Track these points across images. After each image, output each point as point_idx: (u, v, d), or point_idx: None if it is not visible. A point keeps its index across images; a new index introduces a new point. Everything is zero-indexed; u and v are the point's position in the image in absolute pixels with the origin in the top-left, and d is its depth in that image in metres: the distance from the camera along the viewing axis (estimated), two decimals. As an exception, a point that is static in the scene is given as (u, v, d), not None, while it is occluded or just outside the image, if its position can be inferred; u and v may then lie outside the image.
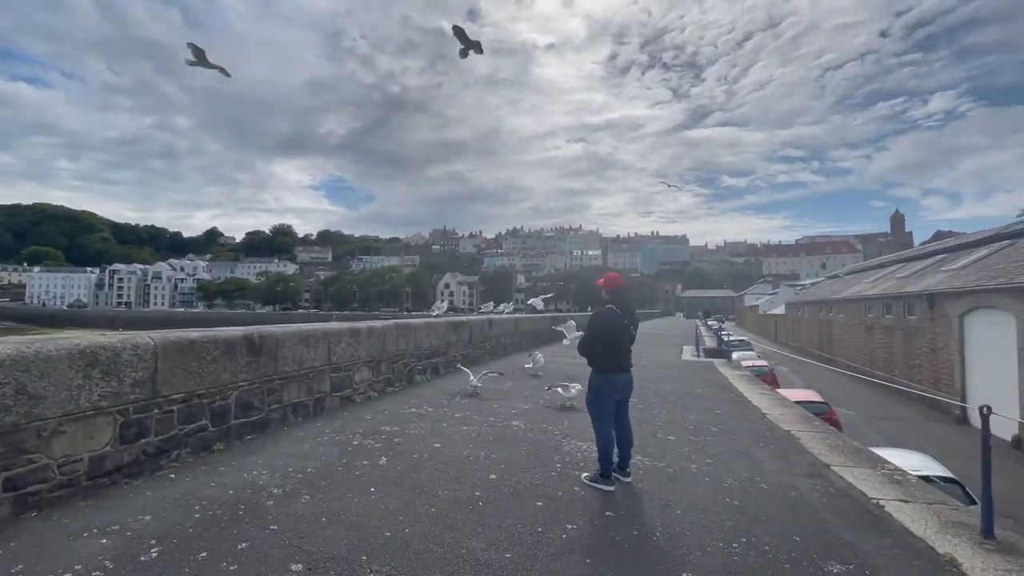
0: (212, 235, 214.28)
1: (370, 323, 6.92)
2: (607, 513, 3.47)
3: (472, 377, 7.82)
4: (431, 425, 5.49)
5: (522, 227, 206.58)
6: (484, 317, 11.81)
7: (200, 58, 7.94)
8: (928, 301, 16.98)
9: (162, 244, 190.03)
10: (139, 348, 3.64)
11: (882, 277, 25.93)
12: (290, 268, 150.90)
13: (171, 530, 2.93)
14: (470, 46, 9.33)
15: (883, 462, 5.18)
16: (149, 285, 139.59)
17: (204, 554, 2.68)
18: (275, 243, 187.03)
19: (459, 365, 7.61)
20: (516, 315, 15.26)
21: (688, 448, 5.18)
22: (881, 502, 3.95)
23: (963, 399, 15.16)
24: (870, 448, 6.06)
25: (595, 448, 4.85)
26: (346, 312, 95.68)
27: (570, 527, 3.20)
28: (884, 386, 21.05)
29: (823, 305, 31.97)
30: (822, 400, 12.64)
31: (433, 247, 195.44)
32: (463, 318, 10.56)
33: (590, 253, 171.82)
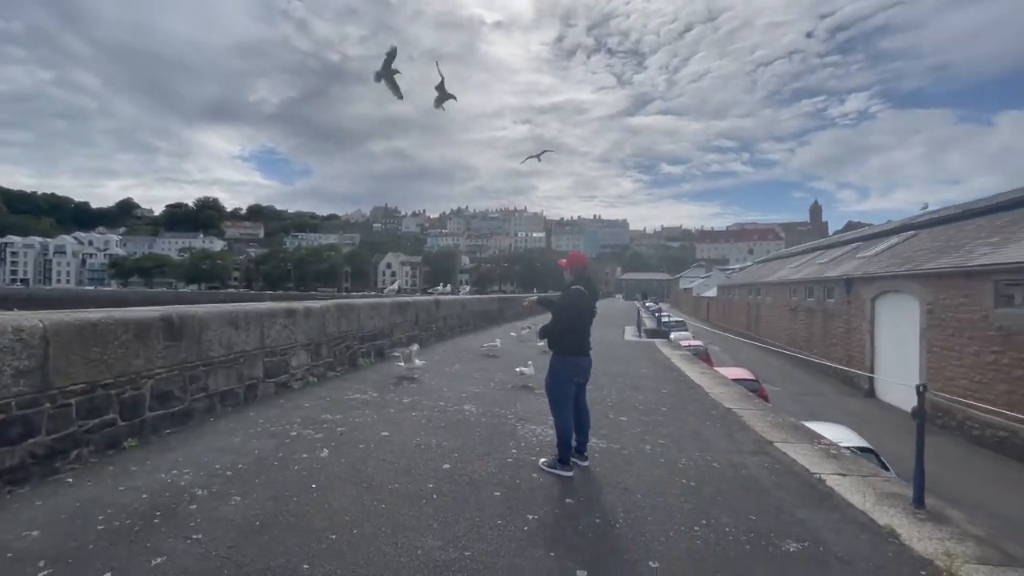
0: (126, 207, 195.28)
1: (308, 303, 6.40)
2: (567, 501, 3.34)
3: (414, 356, 7.54)
4: (377, 412, 5.16)
5: (467, 207, 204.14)
6: (431, 298, 11.43)
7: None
8: (846, 285, 18.37)
9: (66, 215, 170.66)
10: (23, 332, 3.05)
11: (804, 263, 27.82)
12: (217, 244, 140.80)
13: (66, 546, 2.47)
14: (446, 97, 9.46)
15: (819, 438, 5.45)
16: (51, 260, 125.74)
17: (108, 574, 2.27)
18: (200, 217, 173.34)
19: (410, 348, 7.22)
20: (463, 296, 14.95)
21: (641, 429, 5.20)
22: (823, 476, 4.11)
23: (872, 375, 16.61)
24: (800, 422, 6.38)
25: (550, 432, 4.75)
26: (280, 292, 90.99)
27: (531, 518, 3.05)
28: (805, 363, 22.74)
29: (752, 288, 33.98)
30: (753, 378, 13.38)
31: (374, 225, 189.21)
32: (409, 299, 10.15)
33: (534, 235, 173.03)
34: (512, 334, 10.59)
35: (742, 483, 3.85)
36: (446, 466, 3.79)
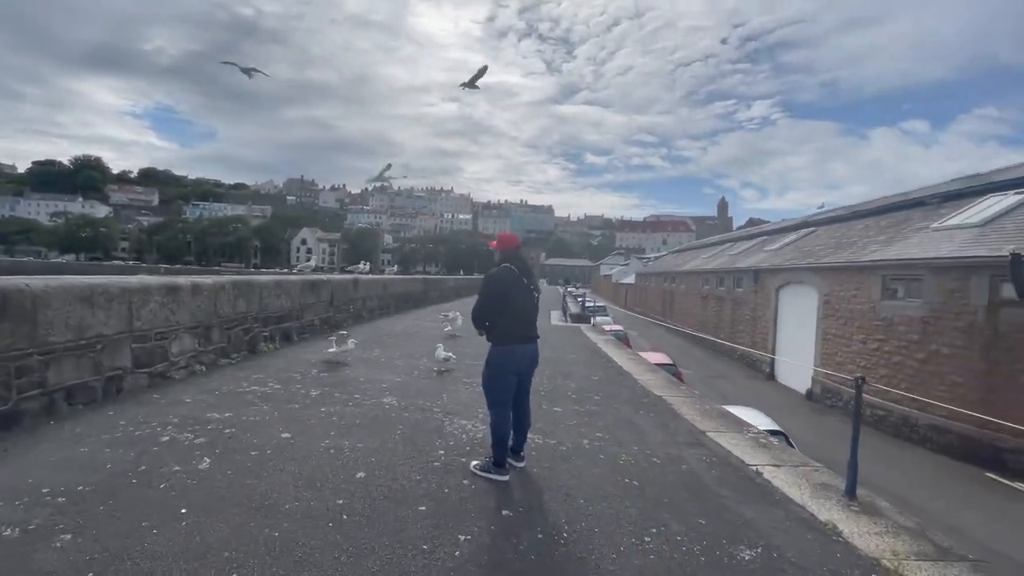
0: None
1: (197, 278, 5.39)
2: (504, 512, 2.90)
3: (335, 345, 6.74)
4: (279, 408, 4.39)
5: (391, 184, 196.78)
6: (349, 276, 10.49)
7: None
8: (754, 276, 19.66)
9: None
10: None
11: (716, 254, 29.61)
12: (101, 210, 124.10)
13: None
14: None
15: (748, 426, 5.48)
16: None
17: None
18: (78, 178, 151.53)
19: (340, 333, 6.39)
20: (385, 276, 14.02)
21: (576, 420, 4.90)
22: (759, 469, 4.03)
23: (772, 360, 17.99)
24: (724, 408, 6.47)
25: (482, 428, 4.29)
26: (178, 266, 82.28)
27: (463, 538, 2.57)
28: (714, 348, 24.26)
29: (667, 276, 35.75)
30: (672, 362, 13.87)
31: (288, 198, 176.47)
32: (323, 276, 9.18)
33: (461, 217, 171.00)
34: (446, 328, 9.83)
35: (685, 480, 3.64)
36: (361, 475, 3.20)
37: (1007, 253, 9.35)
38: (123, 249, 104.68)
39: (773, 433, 8.02)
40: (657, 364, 10.67)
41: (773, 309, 18.22)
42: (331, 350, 6.63)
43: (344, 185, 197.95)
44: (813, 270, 15.54)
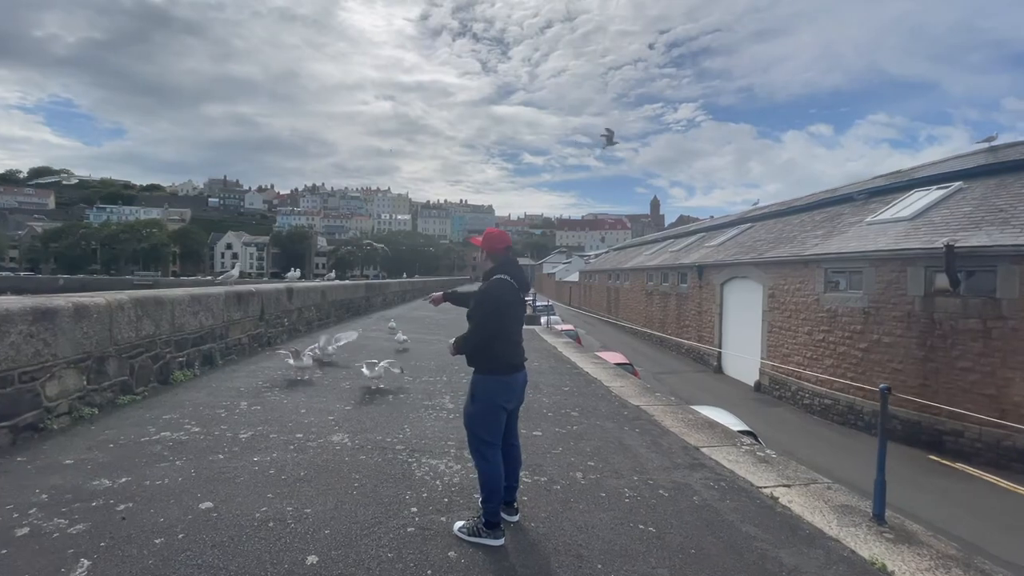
0: None
1: (80, 298, 4.26)
2: (510, 600, 2.23)
3: (291, 358, 6.06)
4: (197, 462, 3.44)
5: (323, 184, 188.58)
6: (282, 285, 9.31)
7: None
8: (698, 271, 20.05)
9: None
10: None
11: (658, 251, 30.25)
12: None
13: None
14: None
15: (737, 437, 5.13)
16: None
17: None
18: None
19: (316, 345, 5.39)
20: (324, 283, 12.81)
21: (561, 447, 4.29)
22: (772, 493, 3.61)
23: (720, 353, 18.38)
24: (703, 415, 6.13)
25: (459, 468, 3.59)
26: (81, 276, 74.03)
27: (465, 657, 1.87)
28: (660, 344, 24.64)
29: (611, 274, 36.22)
30: (628, 362, 13.69)
31: (210, 200, 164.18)
32: (251, 287, 8.01)
33: (399, 217, 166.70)
34: (397, 336, 8.93)
35: (704, 519, 3.12)
36: (312, 559, 2.39)
37: (941, 245, 9.80)
38: (12, 259, 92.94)
39: (744, 433, 7.86)
40: (616, 364, 10.36)
41: (718, 304, 18.64)
42: (290, 361, 6.17)
43: (272, 186, 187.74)
44: (757, 264, 15.96)
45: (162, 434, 3.92)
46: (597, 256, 58.96)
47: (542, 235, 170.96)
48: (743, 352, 16.56)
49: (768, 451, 4.65)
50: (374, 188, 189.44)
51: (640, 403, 6.22)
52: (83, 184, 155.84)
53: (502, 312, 2.75)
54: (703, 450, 4.53)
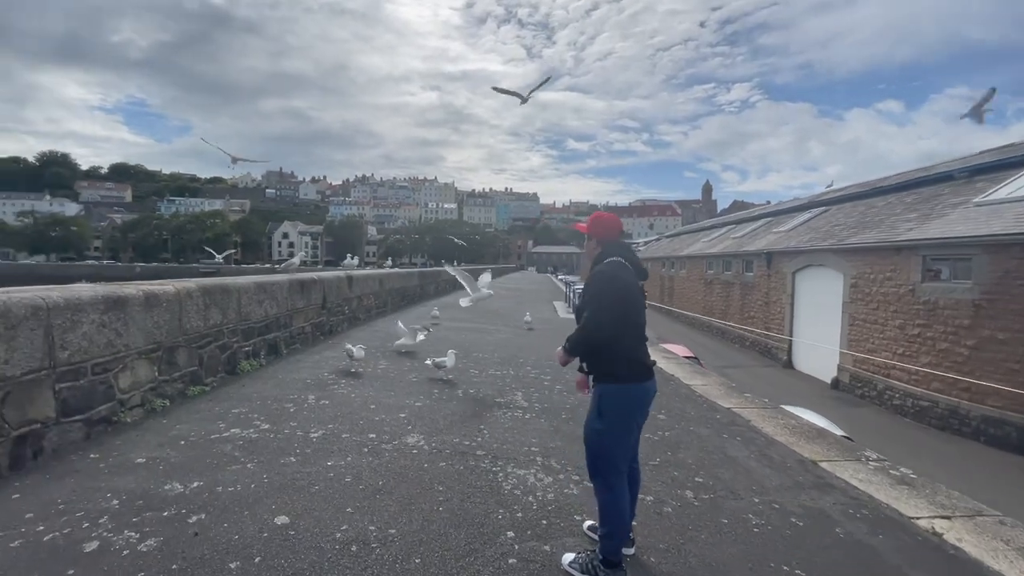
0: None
1: (150, 285, 4.11)
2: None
3: (407, 336, 6.08)
4: (269, 466, 3.18)
5: (373, 175, 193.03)
6: (342, 273, 9.19)
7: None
8: (767, 259, 18.72)
9: None
10: None
11: (717, 237, 28.69)
12: (70, 208, 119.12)
13: None
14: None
15: (859, 449, 4.44)
16: None
17: None
18: (45, 176, 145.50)
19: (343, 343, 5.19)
20: (381, 271, 12.72)
21: (658, 458, 3.78)
22: (934, 528, 2.96)
23: (790, 346, 17.13)
24: (805, 420, 5.43)
25: (550, 480, 3.17)
26: (155, 265, 79.42)
27: None
28: (720, 334, 23.40)
29: (665, 261, 34.82)
30: (694, 355, 12.87)
31: (267, 191, 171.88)
32: (313, 275, 7.89)
33: (445, 206, 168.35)
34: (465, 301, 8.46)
35: (861, 560, 2.54)
36: (404, 598, 2.02)
37: (1078, 227, 8.42)
38: (96, 248, 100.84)
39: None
40: (684, 358, 9.66)
41: (789, 294, 17.32)
42: (402, 341, 6.64)
43: (325, 177, 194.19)
44: (837, 251, 14.61)
45: (232, 431, 3.71)
46: (647, 244, 57.10)
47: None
48: (818, 346, 15.30)
49: (903, 469, 3.95)
50: (421, 178, 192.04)
51: (730, 405, 5.60)
52: (155, 178, 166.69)
53: (625, 299, 2.24)
54: (823, 465, 3.90)
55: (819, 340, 15.39)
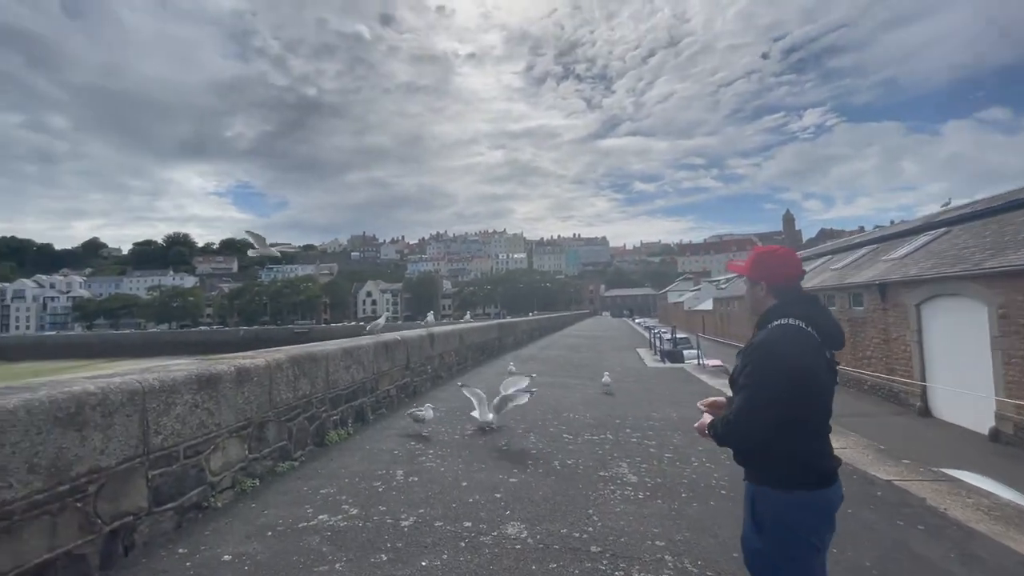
0: (92, 247, 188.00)
1: (241, 360, 4.05)
2: None
3: (419, 411, 5.63)
4: (359, 563, 2.79)
5: (446, 232, 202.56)
6: (424, 332, 9.10)
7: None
8: (880, 290, 16.62)
9: (27, 258, 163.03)
10: None
11: (813, 270, 26.26)
12: (188, 281, 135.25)
13: None
14: None
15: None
16: (8, 307, 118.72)
17: None
18: (170, 254, 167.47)
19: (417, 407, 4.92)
20: (459, 325, 12.64)
21: (828, 558, 2.97)
22: None
23: (925, 391, 14.72)
24: (999, 496, 4.24)
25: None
26: (255, 328, 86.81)
27: None
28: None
29: (754, 299, 32.33)
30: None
31: (352, 254, 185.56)
32: (397, 335, 7.81)
33: (515, 256, 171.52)
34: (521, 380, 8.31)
35: None
36: None
37: None
38: (207, 315, 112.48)
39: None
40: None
41: (914, 329, 15.05)
42: (420, 414, 5.69)
43: (403, 237, 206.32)
44: (975, 278, 12.55)
45: (320, 517, 3.41)
46: (728, 281, 53.85)
47: (661, 262, 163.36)
48: (961, 389, 12.96)
49: None
50: (491, 231, 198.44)
51: (889, 476, 4.54)
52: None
53: (795, 392, 1.62)
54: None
55: (962, 382, 13.05)
